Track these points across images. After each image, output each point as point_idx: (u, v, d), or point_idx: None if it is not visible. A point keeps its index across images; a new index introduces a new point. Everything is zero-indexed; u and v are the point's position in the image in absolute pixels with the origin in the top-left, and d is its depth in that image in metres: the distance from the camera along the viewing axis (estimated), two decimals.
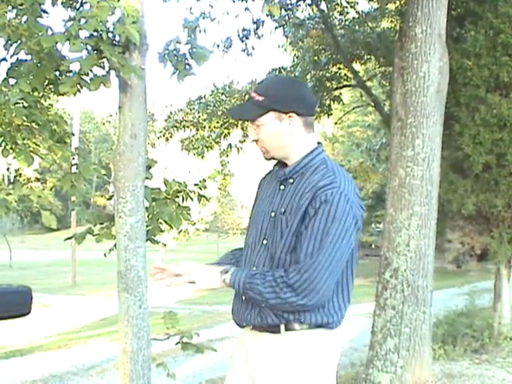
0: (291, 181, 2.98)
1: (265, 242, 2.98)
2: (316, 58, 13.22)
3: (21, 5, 3.99)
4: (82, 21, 3.68)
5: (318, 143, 3.07)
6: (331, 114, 14.60)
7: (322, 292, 2.77)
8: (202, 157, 15.93)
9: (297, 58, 14.01)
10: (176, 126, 14.85)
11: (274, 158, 3.07)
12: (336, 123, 24.56)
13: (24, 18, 4.02)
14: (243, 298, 3.02)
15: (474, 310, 12.00)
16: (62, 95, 4.43)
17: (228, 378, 3.24)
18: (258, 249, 3.00)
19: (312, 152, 3.00)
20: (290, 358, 2.92)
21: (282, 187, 3.02)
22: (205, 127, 14.88)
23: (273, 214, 2.98)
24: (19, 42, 3.98)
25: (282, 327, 2.92)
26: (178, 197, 5.08)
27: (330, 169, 2.91)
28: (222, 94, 14.48)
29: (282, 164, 3.10)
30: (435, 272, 8.26)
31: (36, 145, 4.83)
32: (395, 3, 12.45)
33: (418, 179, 7.45)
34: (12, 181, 5.21)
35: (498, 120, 9.13)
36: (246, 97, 2.79)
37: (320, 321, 2.92)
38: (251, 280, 2.85)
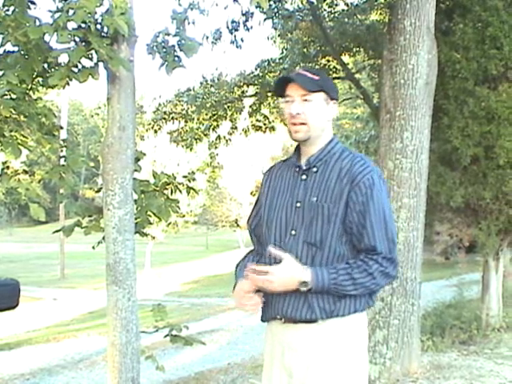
0: (315, 169, 3.02)
1: (293, 232, 2.98)
2: (305, 50, 13.17)
3: None
4: (70, 12, 3.66)
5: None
6: None
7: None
8: (191, 149, 15.89)
9: (286, 50, 13.96)
10: (165, 118, 14.79)
11: (302, 140, 3.04)
12: None
13: (11, 9, 4.00)
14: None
15: (462, 301, 12.03)
16: (51, 88, 4.41)
17: (265, 374, 3.21)
18: (287, 241, 3.00)
19: (332, 140, 3.10)
20: (329, 345, 2.95)
21: (304, 177, 3.04)
22: (193, 119, 14.82)
23: (298, 205, 3.00)
24: (6, 33, 3.95)
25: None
26: (166, 189, 5.08)
27: (355, 154, 3.05)
28: (211, 86, 14.43)
29: (297, 155, 3.12)
30: (424, 264, 8.29)
31: (24, 137, 4.81)
32: None
33: (407, 171, 7.46)
34: None
35: (487, 113, 9.14)
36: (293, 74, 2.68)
37: (363, 306, 3.03)
38: (336, 286, 2.88)
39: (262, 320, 3.21)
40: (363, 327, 3.09)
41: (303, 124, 2.98)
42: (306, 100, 2.96)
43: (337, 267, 2.89)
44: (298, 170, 3.08)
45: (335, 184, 2.94)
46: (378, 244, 2.91)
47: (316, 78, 2.98)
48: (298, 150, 3.15)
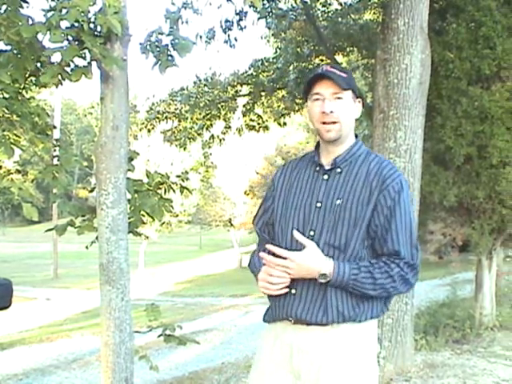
0: (339, 170, 2.97)
1: (312, 233, 2.91)
2: (299, 49, 13.17)
3: None
4: (63, 11, 3.65)
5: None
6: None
7: None
8: (185, 148, 15.88)
9: (279, 49, 13.95)
10: (158, 118, 14.77)
11: (333, 140, 2.96)
12: None
13: (4, 8, 3.99)
14: (293, 291, 2.93)
15: (456, 300, 12.07)
16: (44, 87, 4.41)
17: (262, 377, 3.08)
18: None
19: (357, 142, 3.05)
20: (342, 349, 2.91)
21: (326, 177, 2.98)
22: (187, 118, 14.81)
23: (319, 205, 2.93)
24: None
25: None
26: (160, 189, 5.07)
27: (381, 158, 3.03)
28: (205, 85, 14.42)
29: (317, 153, 3.06)
30: None
31: (17, 136, 4.80)
32: None
33: (400, 171, 7.45)
34: None
35: (480, 112, 9.16)
36: (319, 70, 2.62)
37: (379, 312, 3.01)
38: (355, 283, 2.83)
39: (265, 320, 3.14)
40: (375, 333, 3.07)
41: (335, 123, 2.91)
42: (338, 98, 2.90)
43: (359, 264, 2.85)
44: (318, 169, 3.02)
45: (362, 187, 2.90)
46: (402, 249, 2.88)
47: (344, 75, 2.92)
48: (317, 147, 3.08)
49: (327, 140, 2.95)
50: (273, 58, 14.10)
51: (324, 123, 2.91)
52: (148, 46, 4.15)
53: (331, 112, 2.88)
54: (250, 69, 14.18)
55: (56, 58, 3.85)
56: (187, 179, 5.35)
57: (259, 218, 3.24)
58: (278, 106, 14.97)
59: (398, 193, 2.90)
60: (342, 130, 2.93)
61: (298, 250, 2.87)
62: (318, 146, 3.09)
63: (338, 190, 2.93)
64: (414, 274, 2.92)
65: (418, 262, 2.93)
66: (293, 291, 2.92)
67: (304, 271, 2.82)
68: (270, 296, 3.02)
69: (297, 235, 2.86)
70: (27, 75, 4.35)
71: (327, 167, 2.99)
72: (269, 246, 2.89)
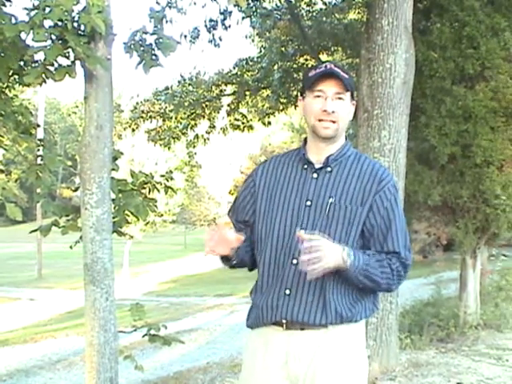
0: (329, 169, 2.94)
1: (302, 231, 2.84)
2: (283, 48, 13.17)
3: None
4: (47, 10, 3.64)
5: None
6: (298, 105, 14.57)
7: None
8: (169, 148, 15.86)
9: (264, 48, 13.95)
10: (142, 117, 14.75)
11: (329, 137, 2.91)
12: None
13: None
14: (287, 292, 2.86)
15: (440, 299, 12.11)
16: (28, 86, 4.38)
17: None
18: (296, 241, 2.80)
19: (347, 143, 3.03)
20: (337, 352, 2.88)
21: (316, 175, 2.94)
22: (171, 118, 14.80)
23: (308, 203, 2.89)
24: None
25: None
26: (144, 188, 5.06)
27: (372, 160, 3.07)
28: (189, 84, 14.39)
29: (305, 152, 3.01)
30: None
31: (0, 136, 4.77)
32: None
33: None
34: None
35: (463, 112, 9.21)
36: (322, 68, 2.60)
37: (371, 311, 3.00)
38: (368, 268, 2.78)
39: (250, 325, 3.06)
40: (364, 332, 3.05)
41: (333, 122, 2.88)
42: (339, 98, 2.87)
43: (365, 251, 2.84)
44: (306, 166, 2.97)
45: (356, 186, 2.89)
46: (401, 249, 2.89)
47: (347, 76, 2.89)
48: (305, 145, 3.04)
49: (324, 137, 2.91)
50: (257, 58, 14.11)
51: (321, 120, 2.88)
52: (132, 46, 4.13)
53: (333, 112, 2.86)
54: (234, 68, 14.18)
55: (39, 56, 3.84)
56: (172, 179, 5.35)
57: (232, 213, 3.18)
58: (263, 106, 14.97)
59: (394, 195, 2.93)
60: (338, 130, 2.91)
61: (287, 250, 2.87)
62: (305, 143, 3.05)
63: (329, 189, 2.90)
64: (405, 273, 2.93)
65: (410, 263, 2.95)
66: (287, 292, 2.86)
67: (335, 256, 2.69)
68: (256, 298, 2.98)
69: (302, 235, 2.69)
70: (10, 74, 4.32)
71: (317, 165, 2.95)
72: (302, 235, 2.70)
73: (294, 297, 2.85)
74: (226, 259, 2.98)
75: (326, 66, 2.89)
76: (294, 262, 2.85)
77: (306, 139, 3.06)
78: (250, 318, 3.06)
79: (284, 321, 2.87)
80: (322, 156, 2.96)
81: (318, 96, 2.88)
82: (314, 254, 2.61)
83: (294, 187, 2.96)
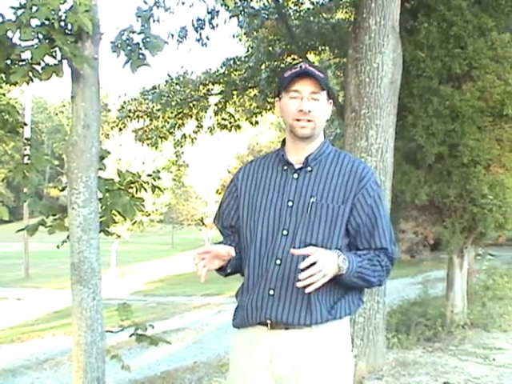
0: (309, 169, 2.94)
1: (285, 232, 2.87)
2: (270, 48, 13.19)
3: None
4: (34, 8, 3.62)
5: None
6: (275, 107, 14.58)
7: None
8: (156, 147, 15.88)
9: (251, 48, 13.98)
10: (129, 116, 14.74)
11: (307, 137, 2.91)
12: None
13: None
14: (271, 292, 2.86)
15: (427, 299, 12.15)
16: (14, 85, 4.36)
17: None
18: (279, 241, 2.88)
19: (326, 141, 3.04)
20: (322, 351, 2.87)
21: (296, 176, 2.94)
22: (159, 117, 14.80)
23: (290, 204, 2.89)
24: None
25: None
26: (131, 188, 5.04)
27: (352, 157, 3.06)
28: (177, 84, 14.40)
29: (284, 153, 3.01)
30: None
31: None
32: None
33: (372, 170, 7.49)
34: None
35: (451, 111, 9.23)
36: (297, 68, 2.59)
37: (356, 307, 3.00)
38: (361, 270, 2.80)
39: (236, 325, 3.07)
40: (349, 329, 3.05)
41: (310, 121, 2.87)
42: (315, 98, 2.87)
43: (356, 252, 2.87)
44: (286, 168, 2.98)
45: (336, 185, 2.89)
46: (388, 245, 2.91)
47: (322, 75, 2.89)
48: (283, 145, 3.05)
49: (301, 136, 2.92)
50: (245, 57, 14.13)
51: (298, 120, 2.88)
52: (119, 45, 4.12)
53: (309, 111, 2.85)
54: (221, 68, 14.19)
55: (26, 55, 3.83)
56: (159, 178, 5.34)
57: (218, 220, 3.20)
58: (250, 105, 14.99)
59: (377, 191, 2.94)
60: (315, 129, 2.90)
61: (270, 250, 2.88)
62: (283, 143, 3.06)
63: (310, 189, 2.90)
64: (393, 266, 2.96)
65: (397, 257, 2.98)
66: (271, 292, 2.86)
67: (331, 266, 2.68)
68: (242, 300, 2.99)
69: (295, 252, 2.71)
70: None
71: (297, 166, 2.96)
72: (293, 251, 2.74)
73: (278, 297, 2.85)
74: (220, 269, 2.98)
75: (300, 66, 2.89)
76: (278, 262, 2.86)
77: (284, 140, 3.07)
78: (235, 318, 3.07)
79: (268, 321, 2.88)
80: (301, 156, 2.97)
81: (294, 97, 2.89)
82: (313, 270, 2.60)
83: (276, 189, 2.97)
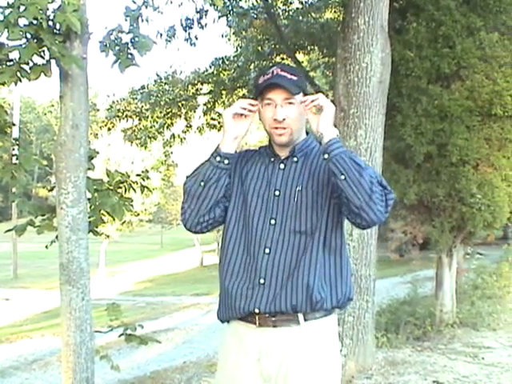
0: (295, 159, 2.99)
1: (273, 221, 2.90)
2: (259, 48, 13.22)
3: None
4: (22, 8, 3.60)
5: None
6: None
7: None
8: (145, 147, 15.85)
9: (240, 47, 13.99)
10: (118, 116, 14.72)
11: (285, 143, 2.96)
12: None
13: None
14: (261, 281, 2.86)
15: (417, 298, 12.17)
16: (2, 85, 4.34)
17: (231, 382, 2.99)
18: (267, 230, 2.91)
19: (310, 136, 3.08)
20: (310, 348, 2.88)
21: (282, 166, 2.99)
22: (148, 117, 14.79)
23: (277, 193, 2.93)
24: None
25: (301, 317, 2.86)
26: (120, 188, 5.03)
27: None
28: (165, 83, 14.41)
29: (270, 148, 3.06)
30: (378, 261, 8.35)
31: None
32: None
33: None
34: None
35: (439, 111, 9.26)
36: (269, 74, 2.59)
37: (345, 298, 2.97)
38: (351, 156, 2.76)
39: (221, 318, 3.05)
40: (336, 328, 3.06)
41: (285, 128, 2.91)
42: (289, 103, 2.89)
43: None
44: (273, 159, 3.03)
45: (320, 172, 2.92)
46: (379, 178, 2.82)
47: (295, 78, 2.90)
48: (271, 143, 3.07)
49: (279, 144, 2.97)
50: (233, 57, 14.14)
51: (276, 128, 2.92)
52: (108, 44, 4.10)
53: (283, 119, 2.89)
54: (210, 67, 14.19)
55: (14, 55, 3.81)
56: (148, 178, 5.32)
57: None
58: None
59: None
60: (293, 134, 2.94)
61: (258, 239, 2.90)
62: (270, 142, 3.08)
63: (296, 178, 2.95)
64: (388, 202, 2.78)
65: (393, 196, 2.82)
66: (261, 281, 2.87)
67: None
68: (229, 286, 2.97)
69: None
70: None
71: (283, 157, 3.01)
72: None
73: (268, 285, 2.86)
74: (223, 156, 2.96)
75: (272, 72, 2.92)
76: (267, 251, 2.89)
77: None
78: (220, 307, 3.05)
79: (257, 310, 2.86)
80: (284, 153, 3.02)
81: (269, 104, 2.92)
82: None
83: (264, 179, 3.01)
